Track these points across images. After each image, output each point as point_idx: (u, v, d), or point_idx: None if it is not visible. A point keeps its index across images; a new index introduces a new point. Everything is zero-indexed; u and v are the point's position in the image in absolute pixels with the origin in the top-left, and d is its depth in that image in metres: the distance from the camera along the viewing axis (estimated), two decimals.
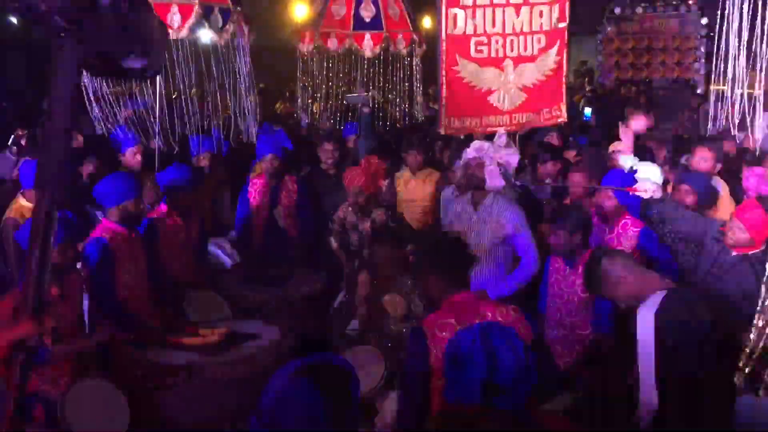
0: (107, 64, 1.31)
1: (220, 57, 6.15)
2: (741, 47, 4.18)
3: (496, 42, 5.54)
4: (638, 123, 5.88)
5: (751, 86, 5.52)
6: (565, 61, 5.81)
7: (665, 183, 5.12)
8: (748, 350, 3.13)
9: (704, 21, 12.25)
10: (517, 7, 5.55)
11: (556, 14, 5.66)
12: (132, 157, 5.70)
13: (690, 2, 12.48)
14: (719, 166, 5.10)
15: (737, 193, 5.03)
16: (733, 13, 4.20)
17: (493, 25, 5.53)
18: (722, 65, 4.68)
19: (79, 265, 4.13)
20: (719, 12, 4.24)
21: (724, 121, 5.35)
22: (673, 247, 4.26)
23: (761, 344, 3.14)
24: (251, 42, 6.39)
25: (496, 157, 4.49)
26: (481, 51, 5.54)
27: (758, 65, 4.43)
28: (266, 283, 5.20)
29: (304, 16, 9.89)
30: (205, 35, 6.03)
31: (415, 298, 4.30)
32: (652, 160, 5.65)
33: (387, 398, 3.68)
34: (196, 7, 5.65)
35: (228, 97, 6.29)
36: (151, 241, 4.65)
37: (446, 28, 5.51)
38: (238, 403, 3.82)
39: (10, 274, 4.57)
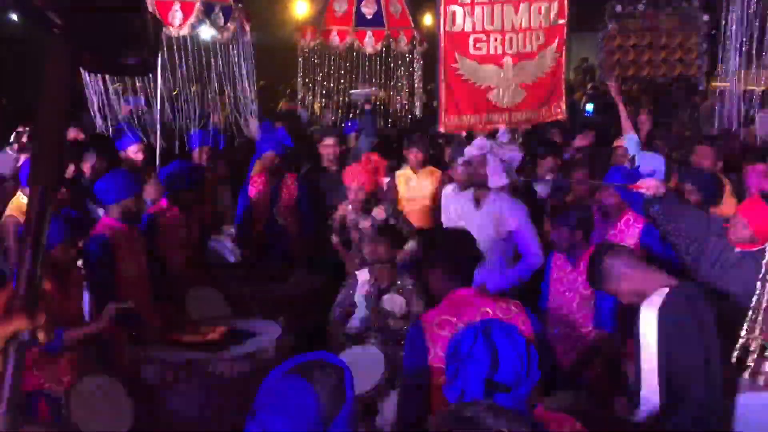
0: (102, 60, 1.30)
1: (221, 54, 6.15)
2: (742, 45, 4.18)
3: (495, 39, 5.53)
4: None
5: (752, 83, 5.52)
6: (564, 58, 5.80)
7: (667, 179, 5.11)
8: (747, 345, 3.12)
9: (705, 18, 12.23)
10: (516, 4, 5.53)
11: (555, 11, 5.65)
12: (134, 154, 5.69)
13: None
14: (720, 163, 5.09)
15: (739, 191, 5.02)
16: (728, 13, 4.19)
17: (492, 22, 5.52)
18: (723, 63, 4.68)
19: (79, 262, 4.12)
20: (723, 10, 4.24)
21: (726, 118, 5.35)
22: (675, 244, 4.25)
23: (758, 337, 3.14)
24: (252, 39, 6.39)
25: (498, 154, 4.48)
26: (479, 48, 5.53)
27: (756, 62, 4.42)
28: (266, 281, 5.19)
29: (305, 13, 9.88)
30: (207, 32, 6.03)
31: (416, 299, 4.29)
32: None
33: (387, 398, 3.67)
34: (198, 5, 5.65)
35: (227, 94, 6.28)
36: (151, 238, 4.65)
37: (445, 26, 5.50)
38: (239, 400, 3.81)
39: (11, 272, 4.57)
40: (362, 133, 7.76)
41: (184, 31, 5.66)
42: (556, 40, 5.73)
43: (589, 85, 14.41)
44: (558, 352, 4.12)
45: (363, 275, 4.49)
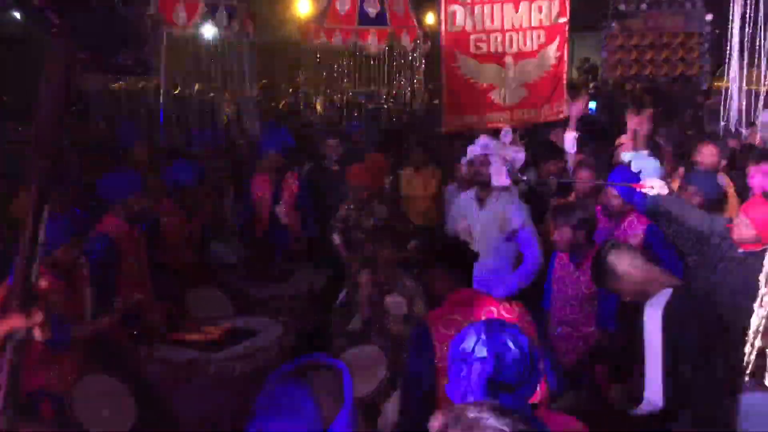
0: (100, 59, 1.31)
1: (225, 53, 6.15)
2: (744, 44, 4.17)
3: (496, 38, 5.53)
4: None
5: (755, 83, 5.50)
6: (565, 57, 5.79)
7: (670, 179, 5.10)
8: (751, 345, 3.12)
9: (708, 17, 12.21)
10: (516, 3, 5.53)
11: (556, 9, 5.64)
12: (140, 152, 5.70)
13: None
14: (724, 162, 5.08)
15: (743, 190, 5.00)
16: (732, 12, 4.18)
17: (492, 21, 5.51)
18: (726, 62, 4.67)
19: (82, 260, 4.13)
20: (730, 9, 4.23)
21: (729, 117, 5.33)
22: (678, 244, 4.24)
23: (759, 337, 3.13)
24: (255, 38, 6.39)
25: (502, 154, 4.48)
26: (480, 47, 5.53)
27: (762, 62, 4.41)
28: (269, 280, 5.20)
29: (308, 12, 9.87)
30: (210, 32, 6.04)
31: (417, 299, 4.29)
32: (660, 156, 5.63)
33: (389, 398, 3.67)
34: (202, 5, 5.65)
35: (228, 93, 6.29)
36: (154, 237, 4.65)
37: (446, 25, 5.49)
38: (240, 398, 3.81)
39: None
40: (365, 132, 7.76)
41: (189, 30, 5.66)
42: (557, 39, 5.72)
43: (591, 85, 14.40)
44: (560, 352, 4.12)
45: (364, 276, 4.48)
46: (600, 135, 7.25)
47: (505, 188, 4.55)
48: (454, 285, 2.81)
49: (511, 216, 4.44)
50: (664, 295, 2.89)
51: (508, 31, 5.58)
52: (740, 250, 3.86)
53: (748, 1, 3.99)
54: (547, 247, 4.50)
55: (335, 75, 9.17)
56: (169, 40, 5.73)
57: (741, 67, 4.80)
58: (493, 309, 2.67)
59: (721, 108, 5.33)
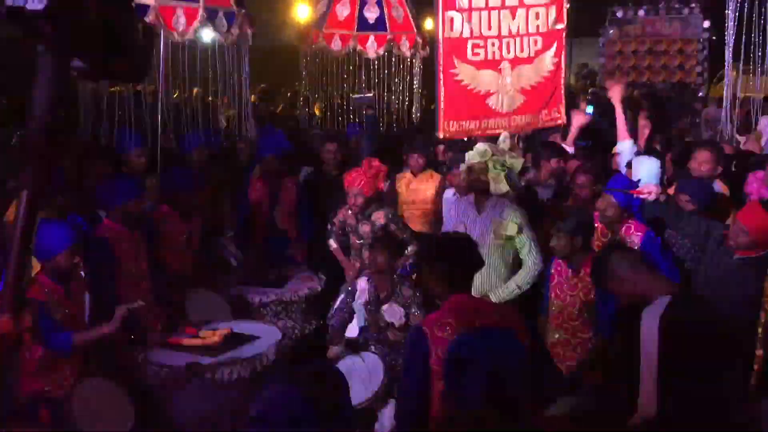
0: (93, 67, 1.32)
1: (221, 57, 6.15)
2: (739, 51, 4.19)
3: (493, 44, 5.53)
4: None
5: (752, 90, 5.52)
6: (563, 63, 5.81)
7: (668, 185, 5.12)
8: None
9: (706, 24, 12.23)
10: (513, 10, 5.54)
11: (553, 16, 5.66)
12: (136, 158, 5.70)
13: (692, 5, 12.47)
14: (720, 168, 5.09)
15: (739, 196, 5.02)
16: (730, 19, 4.20)
17: (489, 27, 5.52)
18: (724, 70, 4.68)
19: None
20: (725, 15, 4.25)
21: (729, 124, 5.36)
22: (675, 250, 4.26)
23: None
24: (254, 43, 6.40)
25: (500, 160, 4.50)
26: (477, 54, 5.53)
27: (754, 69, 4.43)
28: (266, 285, 5.20)
29: (307, 17, 9.89)
30: (209, 36, 6.04)
31: (415, 308, 4.29)
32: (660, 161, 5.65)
33: (386, 406, 3.68)
34: (201, 10, 5.65)
35: (225, 98, 6.29)
36: (152, 242, 4.66)
37: (443, 31, 5.50)
38: (238, 403, 3.82)
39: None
40: (363, 137, 7.77)
41: (188, 36, 5.66)
42: (555, 45, 5.73)
43: (589, 90, 14.42)
44: (558, 358, 4.13)
45: (362, 283, 4.49)
46: (598, 140, 7.27)
47: (503, 194, 4.56)
48: (454, 289, 2.80)
49: (509, 221, 4.46)
50: (661, 303, 2.89)
51: (505, 37, 5.59)
52: (736, 257, 3.88)
53: (744, 10, 4.01)
54: (545, 252, 4.52)
55: (334, 80, 9.18)
56: (166, 43, 5.74)
57: (737, 75, 4.82)
58: (489, 315, 2.68)
59: (719, 115, 5.36)
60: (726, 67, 4.25)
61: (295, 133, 8.64)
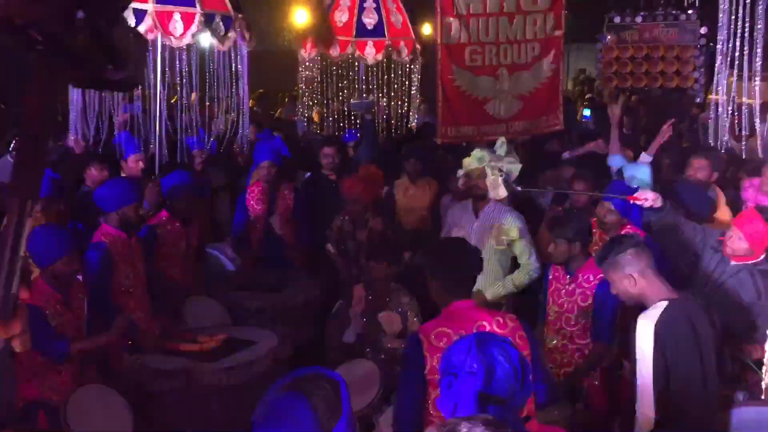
0: (85, 76, 1.32)
1: (220, 62, 6.16)
2: (731, 56, 4.20)
3: (490, 50, 5.56)
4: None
5: (748, 95, 5.51)
6: (561, 69, 5.83)
7: (664, 191, 5.12)
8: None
9: (703, 30, 12.28)
10: (511, 16, 5.56)
11: (551, 22, 5.68)
12: (134, 164, 5.71)
13: (689, 12, 12.51)
14: (716, 175, 5.11)
15: (735, 203, 5.04)
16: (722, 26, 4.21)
17: (487, 33, 5.54)
18: (720, 74, 4.69)
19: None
20: (718, 22, 4.26)
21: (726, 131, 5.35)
22: (672, 256, 4.27)
23: None
24: (251, 47, 6.41)
25: (497, 166, 4.51)
26: (475, 60, 5.55)
27: (752, 74, 4.43)
28: (264, 290, 5.20)
29: (305, 22, 9.91)
30: (206, 41, 6.05)
31: (412, 316, 4.28)
32: (657, 167, 5.66)
33: (383, 413, 3.67)
34: (198, 15, 5.66)
35: (224, 103, 6.29)
36: (150, 247, 4.66)
37: (441, 37, 5.52)
38: (235, 409, 3.82)
39: None
40: (362, 142, 7.78)
41: (185, 41, 5.67)
42: (553, 51, 5.75)
43: (587, 96, 14.46)
44: (555, 364, 4.13)
45: (359, 291, 4.49)
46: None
47: (501, 199, 4.57)
48: (452, 296, 2.80)
49: (507, 227, 4.47)
50: (658, 308, 2.90)
51: (502, 43, 5.62)
52: (732, 263, 3.89)
53: (738, 15, 4.02)
54: (543, 257, 4.53)
55: (332, 85, 9.19)
56: (162, 48, 5.75)
57: (731, 80, 4.82)
58: (486, 323, 2.68)
59: (715, 121, 5.35)
60: (720, 72, 4.27)
61: (294, 139, 8.66)
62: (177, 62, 5.93)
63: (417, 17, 9.16)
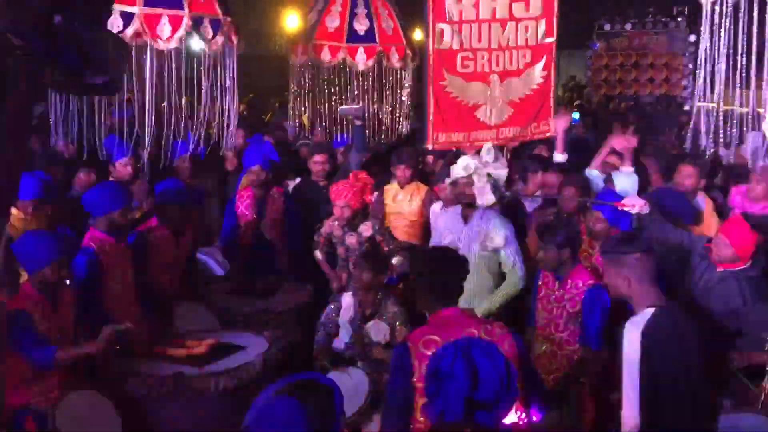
0: (65, 81, 1.33)
1: (209, 66, 6.15)
2: (723, 64, 4.24)
3: (482, 57, 5.56)
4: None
5: (733, 103, 5.55)
6: (553, 76, 5.84)
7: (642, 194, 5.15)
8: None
9: (692, 38, 12.39)
10: (503, 22, 5.57)
11: (542, 29, 5.69)
12: (123, 168, 5.69)
13: (679, 20, 12.62)
14: (703, 182, 5.15)
15: (723, 210, 5.08)
16: (714, 31, 4.25)
17: (479, 39, 5.55)
18: (707, 82, 4.73)
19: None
20: (704, 29, 4.30)
21: (712, 138, 5.39)
22: (659, 263, 4.29)
23: None
24: (241, 52, 6.39)
25: (484, 173, 4.52)
26: (467, 66, 5.56)
27: (739, 81, 4.47)
28: (253, 295, 5.19)
29: (296, 27, 9.92)
30: (197, 45, 6.03)
31: (400, 325, 4.28)
32: (645, 175, 5.70)
33: (371, 422, 3.67)
34: (186, 18, 5.64)
35: (216, 106, 6.28)
36: (140, 253, 4.64)
37: (433, 43, 5.53)
38: (224, 414, 3.80)
39: None
40: (352, 148, 7.78)
41: (173, 44, 5.65)
42: (544, 58, 5.77)
43: (576, 102, 14.55)
44: (545, 371, 4.14)
45: (347, 299, 4.48)
46: (585, 153, 7.32)
47: (489, 205, 4.59)
48: (440, 303, 2.80)
49: (495, 233, 4.48)
50: (645, 315, 2.91)
51: (494, 49, 5.63)
52: (719, 270, 3.92)
53: (721, 21, 4.06)
54: (532, 264, 4.54)
55: (323, 91, 9.19)
56: (151, 51, 5.73)
57: (712, 87, 4.86)
58: (474, 330, 2.68)
59: (702, 128, 5.39)
60: (697, 78, 4.31)
61: (284, 144, 8.65)
62: (166, 66, 5.90)
63: (408, 23, 9.18)
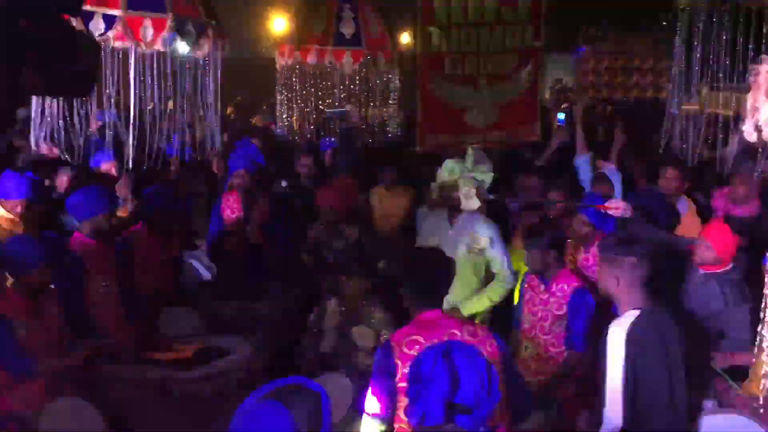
0: (39, 76, 1.33)
1: (195, 69, 6.14)
2: (703, 68, 4.29)
3: (470, 60, 5.59)
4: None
5: (723, 106, 5.61)
6: (540, 80, 5.89)
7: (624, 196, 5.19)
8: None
9: (678, 42, 12.48)
10: (491, 26, 5.61)
11: (530, 33, 5.74)
12: (107, 171, 5.66)
13: (664, 23, 12.71)
14: (687, 185, 5.19)
15: (706, 213, 5.12)
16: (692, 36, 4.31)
17: (468, 43, 5.58)
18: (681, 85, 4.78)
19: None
20: (679, 32, 4.35)
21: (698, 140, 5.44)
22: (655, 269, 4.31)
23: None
24: (227, 54, 6.38)
25: (469, 176, 4.54)
26: (455, 69, 5.59)
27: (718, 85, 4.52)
28: (240, 299, 5.18)
29: (283, 30, 9.93)
30: (183, 49, 6.01)
31: (386, 331, 4.28)
32: (630, 177, 5.74)
33: (356, 426, 3.67)
34: (169, 21, 5.62)
35: (197, 110, 6.27)
36: (125, 257, 4.62)
37: (422, 47, 5.56)
38: (211, 418, 3.79)
39: None
40: (339, 150, 7.79)
41: (156, 47, 5.63)
42: (531, 62, 5.82)
43: (563, 105, 14.61)
44: (529, 373, 4.15)
45: (333, 304, 4.48)
46: (570, 157, 7.36)
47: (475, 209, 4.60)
48: (424, 304, 2.81)
49: (480, 236, 4.50)
50: (629, 316, 2.93)
51: (482, 53, 5.66)
52: (700, 272, 3.96)
53: (700, 26, 4.11)
54: (514, 264, 4.56)
55: (310, 94, 9.20)
56: (135, 54, 5.70)
57: (686, 90, 4.91)
58: (456, 332, 2.68)
59: (684, 131, 5.45)
60: (672, 79, 4.36)
61: (270, 146, 8.64)
62: (150, 69, 5.88)
63: (397, 26, 9.21)
